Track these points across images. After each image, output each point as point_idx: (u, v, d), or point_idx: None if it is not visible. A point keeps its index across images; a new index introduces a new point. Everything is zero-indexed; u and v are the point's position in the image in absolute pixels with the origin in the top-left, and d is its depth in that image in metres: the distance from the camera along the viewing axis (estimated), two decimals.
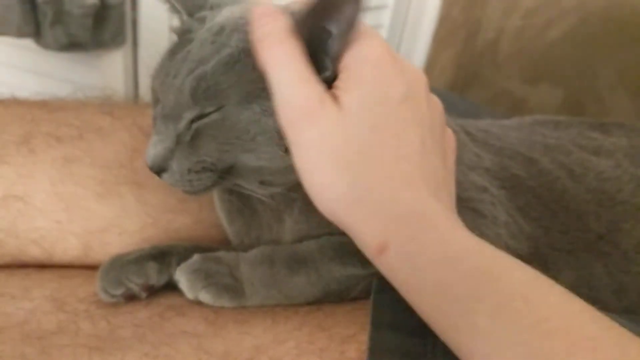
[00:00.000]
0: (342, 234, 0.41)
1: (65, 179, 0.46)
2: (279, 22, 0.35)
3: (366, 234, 0.34)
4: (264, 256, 0.42)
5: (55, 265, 0.47)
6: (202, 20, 0.40)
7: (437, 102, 0.39)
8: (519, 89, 0.92)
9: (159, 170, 0.38)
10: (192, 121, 0.37)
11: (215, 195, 0.47)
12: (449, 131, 0.40)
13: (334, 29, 0.35)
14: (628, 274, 0.47)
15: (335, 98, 0.34)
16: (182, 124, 0.37)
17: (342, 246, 0.42)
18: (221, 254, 0.43)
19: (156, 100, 0.39)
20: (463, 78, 0.96)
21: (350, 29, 0.35)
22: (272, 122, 0.36)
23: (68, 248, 0.46)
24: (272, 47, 0.34)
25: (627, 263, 0.47)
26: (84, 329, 0.39)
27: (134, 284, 0.41)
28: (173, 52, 0.38)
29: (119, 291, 0.41)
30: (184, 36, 0.39)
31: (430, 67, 0.97)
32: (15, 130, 0.47)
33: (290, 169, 0.38)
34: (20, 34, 0.68)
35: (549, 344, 0.28)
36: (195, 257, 0.42)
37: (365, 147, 0.33)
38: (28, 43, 0.70)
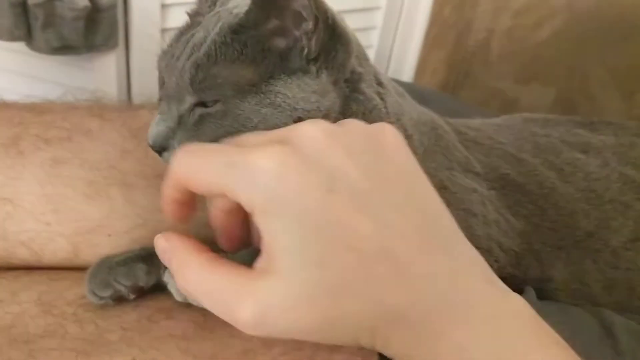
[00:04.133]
0: None
1: (54, 180, 0.46)
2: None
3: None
4: (252, 256, 0.42)
5: (44, 267, 0.47)
6: (214, 3, 0.40)
7: (348, 126, 0.31)
8: (510, 88, 0.93)
9: (160, 149, 0.38)
10: (196, 105, 0.37)
11: None
12: (383, 129, 0.31)
13: (289, 23, 0.35)
14: (617, 270, 0.47)
15: (269, 261, 0.28)
16: (185, 106, 0.37)
17: None
18: None
19: (162, 82, 0.39)
20: (455, 78, 0.96)
21: (308, 18, 0.35)
22: (269, 112, 0.36)
23: (57, 250, 0.46)
24: (179, 284, 0.31)
25: (616, 259, 0.47)
26: (72, 333, 0.39)
27: (123, 285, 0.41)
28: (181, 33, 0.39)
29: (107, 293, 0.41)
30: (194, 18, 0.40)
31: (422, 68, 0.98)
32: (3, 132, 0.47)
33: None
34: (11, 37, 0.68)
35: None
36: None
37: (328, 291, 0.27)
38: (20, 46, 0.70)
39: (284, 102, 0.36)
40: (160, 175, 0.48)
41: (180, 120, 0.37)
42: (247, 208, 0.28)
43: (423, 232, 0.29)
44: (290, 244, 0.27)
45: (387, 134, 0.31)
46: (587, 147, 0.53)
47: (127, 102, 0.75)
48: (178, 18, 0.75)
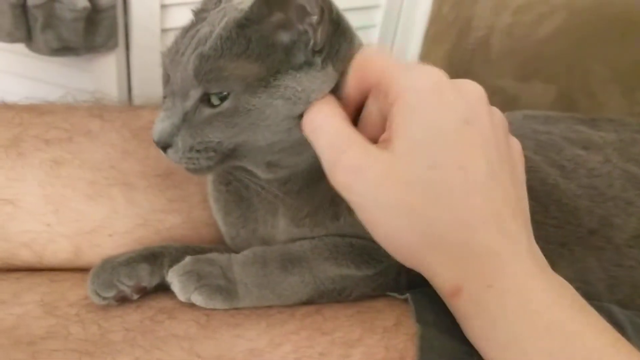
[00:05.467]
0: (337, 236, 0.42)
1: (55, 181, 0.46)
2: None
3: (440, 276, 0.34)
4: (256, 256, 0.42)
5: (46, 269, 0.47)
6: (220, 0, 0.40)
7: (498, 114, 0.37)
8: (511, 86, 0.93)
9: (164, 145, 0.38)
10: (202, 103, 0.37)
11: (210, 186, 0.47)
12: (513, 139, 0.38)
13: (292, 16, 0.36)
14: (621, 268, 0.47)
15: (388, 141, 0.33)
16: (190, 102, 0.37)
17: (337, 247, 0.42)
18: (213, 255, 0.42)
19: (166, 79, 0.39)
20: (455, 76, 0.96)
21: (311, 12, 0.35)
22: (281, 104, 0.36)
23: (58, 250, 0.46)
24: (311, 115, 0.36)
25: (620, 257, 0.47)
26: (74, 334, 0.39)
27: (126, 285, 0.41)
28: (186, 30, 0.39)
29: (111, 293, 0.41)
30: (199, 15, 0.40)
31: None
32: (3, 134, 0.47)
33: (300, 144, 0.38)
34: (11, 39, 0.68)
35: None
36: (188, 258, 0.42)
37: (428, 188, 0.32)
38: (19, 48, 0.70)
39: (295, 95, 0.36)
40: (160, 175, 0.49)
41: (185, 117, 0.37)
42: (394, 95, 0.34)
43: (519, 205, 0.35)
44: (417, 136, 0.33)
45: (518, 144, 0.38)
46: (588, 143, 0.53)
47: (128, 103, 0.75)
48: (178, 18, 0.75)
